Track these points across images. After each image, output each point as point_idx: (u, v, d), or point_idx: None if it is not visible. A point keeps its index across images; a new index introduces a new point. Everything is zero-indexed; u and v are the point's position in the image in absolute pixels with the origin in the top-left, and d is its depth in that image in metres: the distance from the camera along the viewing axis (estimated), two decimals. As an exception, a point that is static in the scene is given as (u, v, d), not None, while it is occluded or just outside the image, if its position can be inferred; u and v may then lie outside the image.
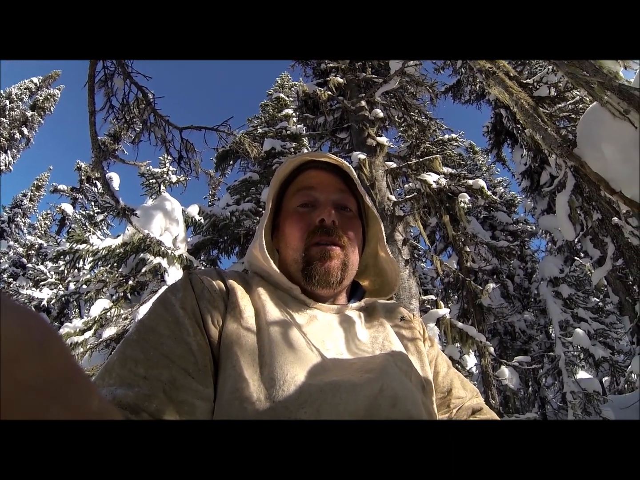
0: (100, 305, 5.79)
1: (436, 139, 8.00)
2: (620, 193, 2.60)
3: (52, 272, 12.57)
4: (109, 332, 5.48)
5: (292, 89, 11.80)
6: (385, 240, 0.90)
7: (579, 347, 7.92)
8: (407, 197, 6.28)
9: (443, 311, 5.68)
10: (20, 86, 19.70)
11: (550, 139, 2.93)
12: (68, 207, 15.87)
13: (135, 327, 0.63)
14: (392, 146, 7.31)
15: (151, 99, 3.98)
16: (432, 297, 6.34)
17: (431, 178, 6.12)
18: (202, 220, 7.71)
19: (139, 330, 0.61)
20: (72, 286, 10.21)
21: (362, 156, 6.06)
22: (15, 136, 18.94)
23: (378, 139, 6.55)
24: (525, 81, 4.49)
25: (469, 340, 5.76)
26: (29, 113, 19.57)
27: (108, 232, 14.44)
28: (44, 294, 11.90)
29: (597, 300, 10.51)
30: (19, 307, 0.24)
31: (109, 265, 6.04)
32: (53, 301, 11.03)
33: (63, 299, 10.50)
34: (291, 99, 10.51)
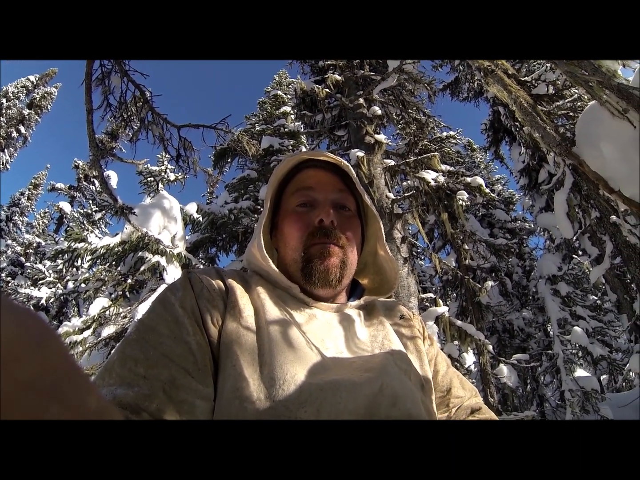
0: (99, 303, 5.79)
1: (434, 136, 8.00)
2: (619, 192, 2.61)
3: (51, 271, 12.55)
4: (108, 330, 5.47)
5: (290, 86, 11.78)
6: (384, 238, 0.91)
7: (577, 345, 7.94)
8: (406, 194, 6.28)
9: (442, 309, 5.69)
10: (17, 84, 19.62)
11: (549, 137, 2.94)
12: (66, 206, 15.85)
13: (135, 327, 0.63)
14: (390, 144, 7.29)
15: (149, 97, 3.98)
16: (431, 295, 6.35)
17: (429, 176, 6.12)
18: (201, 218, 7.70)
19: (138, 329, 0.61)
20: (70, 285, 10.20)
21: (361, 154, 6.06)
22: (13, 134, 18.87)
23: (376, 136, 6.55)
24: (523, 79, 4.48)
25: (467, 338, 5.77)
26: (26, 111, 19.49)
27: (106, 231, 14.42)
28: (43, 293, 11.88)
29: (596, 298, 10.54)
30: (17, 306, 0.24)
31: (108, 264, 6.03)
32: (51, 300, 11.03)
33: (62, 297, 10.51)
34: (289, 96, 10.49)
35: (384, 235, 0.91)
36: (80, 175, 16.86)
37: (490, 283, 6.84)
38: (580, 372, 8.10)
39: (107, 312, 5.65)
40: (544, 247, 11.46)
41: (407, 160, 6.45)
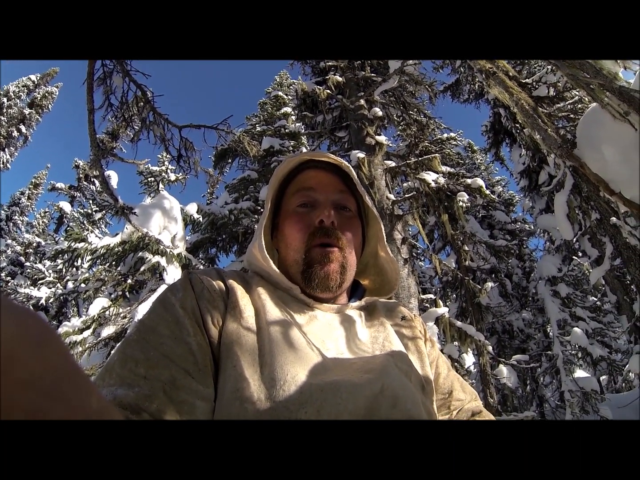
0: (99, 304, 5.78)
1: (435, 137, 8.01)
2: (619, 194, 2.61)
3: (50, 271, 12.55)
4: (108, 331, 5.46)
5: (291, 87, 11.80)
6: (385, 239, 0.90)
7: (576, 346, 7.93)
8: (406, 196, 6.28)
9: (442, 310, 5.69)
10: (18, 84, 19.63)
11: (550, 139, 2.94)
12: (66, 206, 15.85)
13: (136, 327, 0.63)
14: (391, 145, 7.31)
15: (150, 97, 3.98)
16: (431, 296, 6.35)
17: (430, 177, 6.12)
18: (201, 219, 7.70)
19: (139, 330, 0.61)
20: (70, 285, 10.20)
21: (361, 155, 6.06)
22: (13, 134, 18.87)
23: (377, 137, 6.55)
24: (524, 81, 4.49)
25: (467, 339, 5.77)
26: (26, 111, 19.50)
27: (106, 231, 14.41)
28: (42, 293, 11.88)
29: (595, 299, 10.54)
30: (17, 306, 0.24)
31: (108, 264, 6.03)
32: (51, 300, 11.03)
33: (61, 297, 10.50)
34: (290, 97, 10.50)
35: (384, 236, 0.90)
36: (81, 175, 16.86)
37: (490, 284, 6.85)
38: (579, 373, 8.09)
39: (107, 313, 5.65)
40: (544, 248, 11.46)
41: (407, 161, 6.45)
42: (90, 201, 15.25)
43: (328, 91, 7.11)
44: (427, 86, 7.91)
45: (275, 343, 0.63)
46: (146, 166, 7.70)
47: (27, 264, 15.14)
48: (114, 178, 6.30)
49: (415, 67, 7.61)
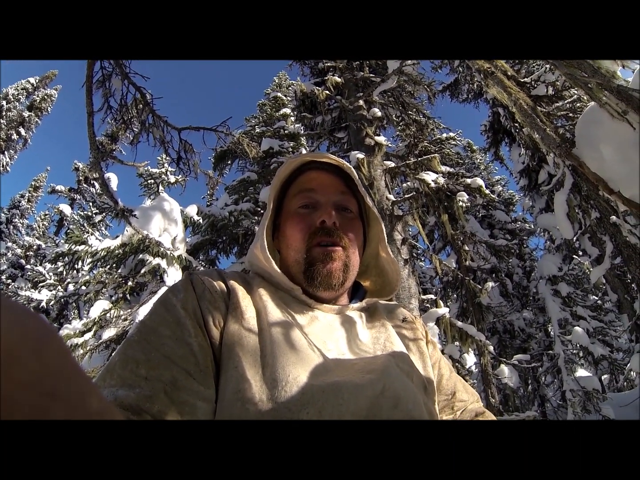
0: (100, 306, 5.78)
1: (434, 137, 8.02)
2: (618, 193, 2.62)
3: (51, 274, 12.56)
4: (109, 333, 5.47)
5: (290, 88, 11.80)
6: (386, 240, 0.91)
7: (578, 345, 7.92)
8: (406, 196, 6.29)
9: (442, 310, 5.69)
10: (17, 86, 19.64)
11: (549, 139, 2.94)
12: (66, 208, 15.84)
13: (137, 328, 0.63)
14: (390, 145, 7.30)
15: (149, 100, 3.98)
16: (432, 296, 6.35)
17: (429, 177, 6.13)
18: (201, 221, 7.70)
19: (140, 331, 0.61)
20: (71, 287, 10.20)
21: (361, 155, 6.06)
22: (13, 137, 18.88)
23: (376, 138, 6.55)
24: (522, 80, 4.49)
25: (468, 339, 5.77)
26: (26, 113, 19.51)
27: (106, 233, 14.44)
28: (43, 296, 11.88)
29: (596, 298, 10.52)
30: (17, 306, 0.24)
31: (108, 266, 6.02)
32: (52, 302, 11.02)
33: (62, 300, 10.50)
34: (289, 98, 10.50)
35: (385, 237, 0.91)
36: (81, 178, 16.87)
37: (490, 284, 6.84)
38: (581, 372, 8.08)
39: (108, 315, 5.64)
40: (544, 247, 11.46)
41: (407, 161, 6.45)
42: (90, 203, 15.25)
43: (327, 92, 7.12)
44: (425, 86, 7.91)
45: (276, 344, 0.63)
46: (146, 168, 7.70)
47: (28, 266, 15.14)
48: (113, 180, 6.28)
49: (414, 68, 7.61)
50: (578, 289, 9.49)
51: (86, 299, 6.42)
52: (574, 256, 9.90)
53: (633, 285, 7.54)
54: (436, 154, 6.47)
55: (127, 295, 6.07)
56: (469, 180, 6.35)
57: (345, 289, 0.81)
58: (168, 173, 7.94)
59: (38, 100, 20.19)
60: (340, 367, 0.64)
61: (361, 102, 7.08)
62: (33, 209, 20.10)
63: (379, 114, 6.98)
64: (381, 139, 6.57)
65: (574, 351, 8.02)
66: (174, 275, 5.73)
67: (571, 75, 2.57)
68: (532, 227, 12.03)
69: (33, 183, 20.70)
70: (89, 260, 5.73)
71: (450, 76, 11.19)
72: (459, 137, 9.09)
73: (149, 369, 0.55)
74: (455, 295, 9.32)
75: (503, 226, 11.60)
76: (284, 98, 10.38)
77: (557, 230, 8.56)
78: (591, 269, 8.39)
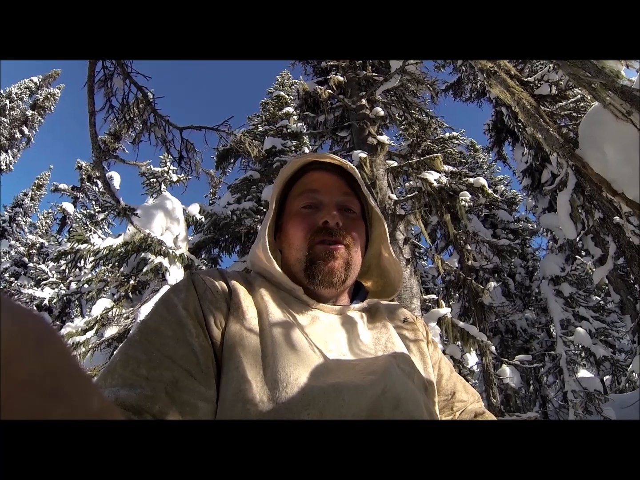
0: (102, 304, 5.79)
1: (437, 137, 8.00)
2: (622, 194, 2.61)
3: (54, 272, 12.59)
4: (111, 331, 5.48)
5: (293, 87, 11.80)
6: (389, 241, 0.90)
7: (580, 345, 7.90)
8: (408, 195, 6.28)
9: (444, 310, 5.68)
10: (20, 85, 19.70)
11: (552, 139, 2.93)
12: (69, 206, 15.91)
13: (138, 328, 0.63)
14: (392, 144, 7.28)
15: (151, 99, 3.98)
16: (434, 296, 6.34)
17: (432, 176, 6.11)
18: (203, 219, 7.71)
19: (141, 330, 0.61)
20: (73, 285, 10.24)
21: (363, 155, 6.05)
22: (16, 135, 18.95)
23: (379, 137, 6.54)
24: (526, 79, 4.47)
25: (470, 339, 5.76)
26: (29, 112, 19.57)
27: (109, 231, 14.50)
28: (46, 294, 11.90)
29: (599, 299, 10.50)
30: (17, 306, 0.24)
31: (110, 265, 6.04)
32: (54, 300, 11.04)
33: (64, 298, 10.52)
34: (291, 97, 10.51)
35: (388, 238, 0.90)
36: (83, 176, 16.90)
37: (493, 284, 6.84)
38: (583, 373, 8.08)
39: (110, 313, 5.65)
40: (547, 247, 11.40)
41: (409, 161, 6.44)
42: (93, 202, 15.32)
43: (329, 91, 7.10)
44: (428, 85, 7.89)
45: (277, 345, 0.63)
46: (148, 167, 7.71)
47: (31, 264, 15.18)
48: (116, 179, 6.31)
49: (417, 67, 7.59)
50: (581, 290, 9.47)
51: (88, 297, 6.44)
52: (577, 256, 9.86)
53: (636, 286, 7.52)
54: (439, 153, 6.45)
55: (129, 294, 6.09)
56: (471, 180, 6.34)
57: (346, 287, 0.81)
58: (170, 172, 7.95)
59: (41, 99, 20.24)
60: (341, 367, 0.64)
61: (364, 101, 7.07)
62: (36, 207, 20.17)
63: (382, 113, 6.96)
64: (384, 138, 6.55)
65: (576, 352, 8.00)
66: (176, 274, 5.74)
67: (575, 75, 2.56)
68: (535, 227, 12.00)
69: (36, 181, 20.76)
70: (92, 258, 5.75)
71: (453, 75, 11.16)
72: (462, 136, 9.04)
73: (150, 369, 0.55)
74: (457, 295, 9.29)
75: (506, 226, 11.56)
76: (287, 97, 10.40)
77: (560, 231, 8.54)
78: (594, 270, 8.37)
